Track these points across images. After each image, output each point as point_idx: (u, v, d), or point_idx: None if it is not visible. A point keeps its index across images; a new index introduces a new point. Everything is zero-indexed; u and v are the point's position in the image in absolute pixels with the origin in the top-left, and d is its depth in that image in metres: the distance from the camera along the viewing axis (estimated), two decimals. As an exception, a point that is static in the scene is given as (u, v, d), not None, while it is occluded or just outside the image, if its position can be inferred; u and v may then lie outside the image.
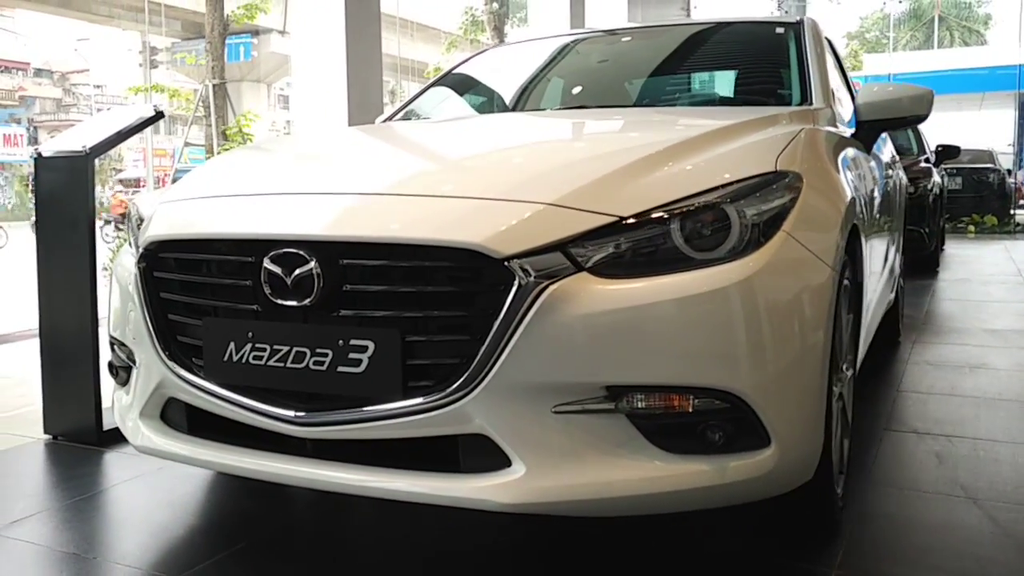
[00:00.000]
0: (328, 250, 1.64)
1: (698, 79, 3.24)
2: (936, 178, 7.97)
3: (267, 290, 1.68)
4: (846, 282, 2.01)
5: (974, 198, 12.84)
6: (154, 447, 1.97)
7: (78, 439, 2.89)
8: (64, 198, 2.87)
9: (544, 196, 1.63)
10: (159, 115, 3.03)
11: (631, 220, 1.60)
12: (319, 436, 1.70)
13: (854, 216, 2.10)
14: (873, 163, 2.96)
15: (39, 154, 2.94)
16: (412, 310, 1.60)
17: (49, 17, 32.56)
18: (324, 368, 1.65)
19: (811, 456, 1.75)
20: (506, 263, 1.54)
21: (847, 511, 2.14)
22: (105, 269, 4.76)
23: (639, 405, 1.57)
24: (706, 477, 1.59)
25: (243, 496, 2.40)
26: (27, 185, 29.47)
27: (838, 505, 2.05)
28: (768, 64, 2.99)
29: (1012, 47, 20.68)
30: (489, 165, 2.00)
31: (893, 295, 3.94)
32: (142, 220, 2.04)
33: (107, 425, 2.83)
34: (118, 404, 2.15)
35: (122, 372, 2.11)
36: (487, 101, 3.39)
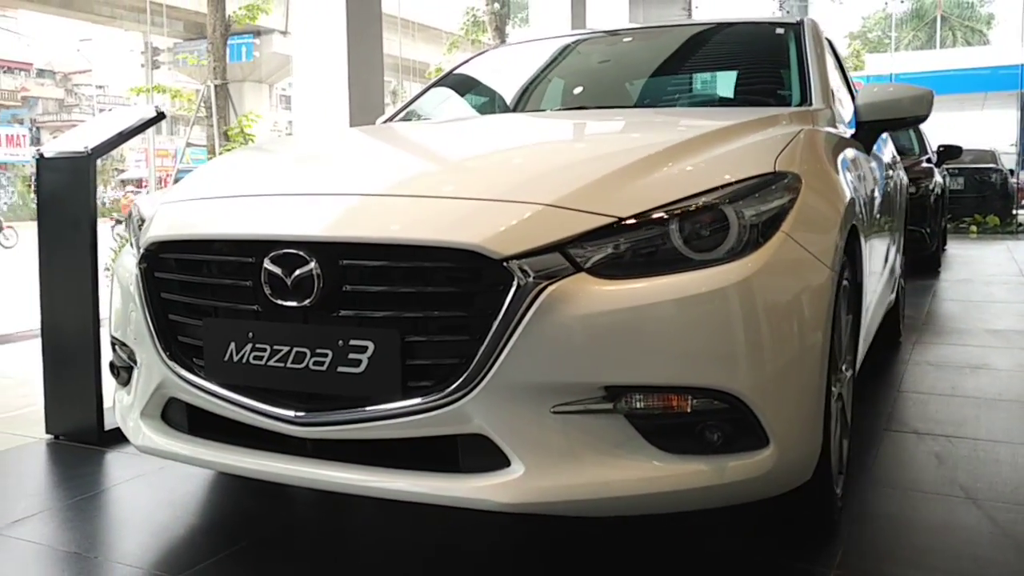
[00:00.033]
0: (328, 251, 1.65)
1: (698, 80, 3.25)
2: (938, 178, 7.96)
3: (267, 290, 1.69)
4: (845, 283, 2.01)
5: (976, 198, 12.81)
6: (155, 447, 1.98)
7: (79, 439, 2.90)
8: (66, 198, 2.88)
9: (543, 197, 1.64)
10: (161, 116, 3.04)
11: (630, 221, 1.61)
12: (319, 436, 1.71)
13: (853, 217, 2.10)
14: (873, 163, 2.96)
15: (41, 154, 2.94)
16: (412, 310, 1.60)
17: (51, 18, 32.62)
18: (324, 368, 1.65)
19: (810, 456, 1.75)
20: (505, 264, 1.54)
21: (846, 511, 2.15)
22: (107, 269, 4.76)
23: (638, 405, 1.57)
24: (704, 477, 1.59)
25: (244, 496, 2.41)
26: (29, 185, 29.51)
27: (837, 505, 2.05)
28: (768, 65, 2.99)
29: (1015, 47, 20.65)
30: (489, 166, 2.00)
31: (894, 295, 3.94)
32: (143, 221, 2.05)
33: (108, 425, 2.84)
34: (119, 404, 2.15)
35: (123, 372, 2.11)
36: (488, 102, 3.39)
